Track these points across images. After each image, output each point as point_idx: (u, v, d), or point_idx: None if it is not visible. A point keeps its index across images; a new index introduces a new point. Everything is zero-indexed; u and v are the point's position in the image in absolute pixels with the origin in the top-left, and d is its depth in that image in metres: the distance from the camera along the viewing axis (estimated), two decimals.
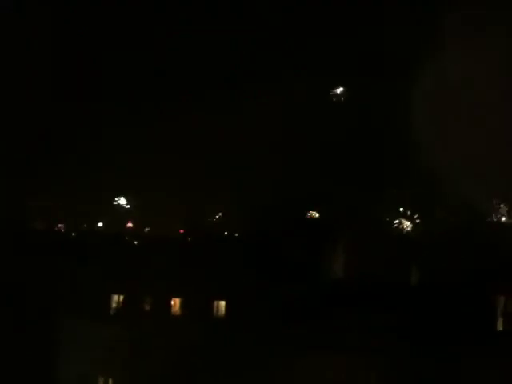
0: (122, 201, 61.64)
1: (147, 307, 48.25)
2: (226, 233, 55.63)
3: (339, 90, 60.38)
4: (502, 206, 53.78)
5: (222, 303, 48.16)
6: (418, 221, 54.95)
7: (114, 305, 48.32)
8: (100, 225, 59.94)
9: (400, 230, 54.80)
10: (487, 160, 51.79)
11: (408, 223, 54.98)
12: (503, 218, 53.94)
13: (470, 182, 49.99)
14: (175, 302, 48.41)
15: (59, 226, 58.16)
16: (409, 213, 55.34)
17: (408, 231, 54.72)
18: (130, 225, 59.87)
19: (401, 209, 55.60)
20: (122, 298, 47.91)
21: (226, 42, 59.52)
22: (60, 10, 61.20)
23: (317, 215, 56.42)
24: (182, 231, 55.78)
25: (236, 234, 54.96)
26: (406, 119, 54.00)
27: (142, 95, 60.51)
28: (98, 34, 60.52)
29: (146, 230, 57.86)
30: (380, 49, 57.55)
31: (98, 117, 60.71)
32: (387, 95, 56.58)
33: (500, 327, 42.73)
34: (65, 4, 61.60)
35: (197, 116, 57.52)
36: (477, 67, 52.84)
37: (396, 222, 55.32)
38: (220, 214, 59.04)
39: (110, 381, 46.93)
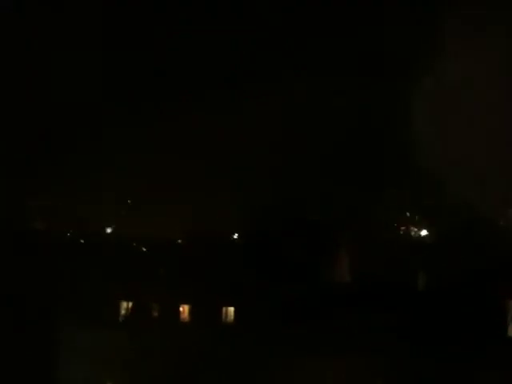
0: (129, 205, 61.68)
1: (154, 312, 48.27)
2: (234, 235, 55.75)
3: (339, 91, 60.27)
4: (510, 210, 53.69)
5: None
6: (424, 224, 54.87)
7: (122, 311, 48.29)
8: (109, 230, 60.01)
9: (407, 235, 54.77)
10: (487, 160, 51.73)
11: (416, 229, 54.95)
12: None
13: (470, 183, 49.98)
14: (183, 308, 48.46)
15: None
16: (416, 218, 55.31)
17: (417, 236, 54.66)
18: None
19: (408, 214, 55.56)
20: (130, 304, 47.84)
21: (226, 42, 59.44)
22: (60, 9, 61.10)
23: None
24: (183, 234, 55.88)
25: (236, 236, 55.02)
26: (406, 119, 53.97)
27: (142, 95, 60.45)
28: (97, 34, 60.37)
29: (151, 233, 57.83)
30: (380, 49, 57.48)
31: (98, 116, 60.70)
32: (387, 95, 56.51)
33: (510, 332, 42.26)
34: (64, 4, 61.46)
35: (197, 116, 57.46)
36: (477, 67, 52.79)
37: (403, 228, 55.32)
38: (221, 214, 58.95)
39: None
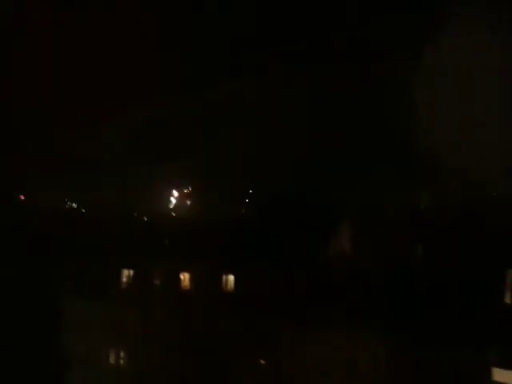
0: None
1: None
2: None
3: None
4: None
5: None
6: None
7: (124, 280, 48.15)
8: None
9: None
10: (487, 159, 51.66)
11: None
12: None
13: (470, 182, 49.87)
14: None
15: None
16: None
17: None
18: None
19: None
20: (132, 273, 47.69)
21: (227, 39, 59.87)
22: (60, 9, 61.48)
23: None
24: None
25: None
26: (406, 116, 54.02)
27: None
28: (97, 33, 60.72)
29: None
30: (379, 46, 57.77)
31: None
32: (387, 93, 56.71)
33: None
34: (64, 4, 61.83)
35: (197, 111, 57.85)
36: (476, 65, 52.91)
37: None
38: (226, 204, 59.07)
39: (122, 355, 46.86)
